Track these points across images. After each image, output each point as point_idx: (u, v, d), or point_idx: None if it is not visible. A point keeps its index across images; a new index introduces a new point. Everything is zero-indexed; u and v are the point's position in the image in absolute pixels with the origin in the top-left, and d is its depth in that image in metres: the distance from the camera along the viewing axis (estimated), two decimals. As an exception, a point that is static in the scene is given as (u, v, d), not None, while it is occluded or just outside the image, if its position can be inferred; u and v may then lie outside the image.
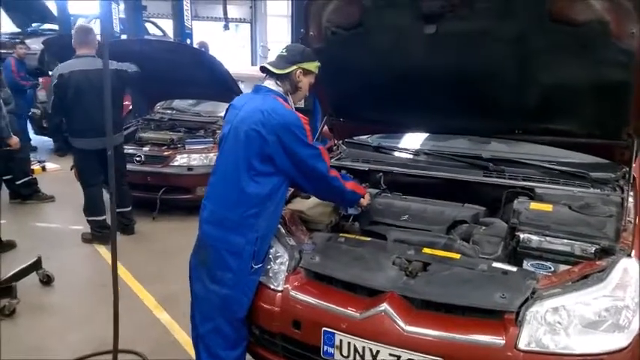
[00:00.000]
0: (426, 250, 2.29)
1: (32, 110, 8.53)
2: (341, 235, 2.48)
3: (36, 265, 3.83)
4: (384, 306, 2.00)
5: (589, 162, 2.79)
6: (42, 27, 13.15)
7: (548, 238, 2.29)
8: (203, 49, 8.79)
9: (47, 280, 3.89)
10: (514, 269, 2.13)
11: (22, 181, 5.81)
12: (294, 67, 2.32)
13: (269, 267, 2.34)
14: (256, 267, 2.24)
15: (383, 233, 2.50)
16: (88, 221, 4.90)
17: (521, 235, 2.29)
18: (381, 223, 2.64)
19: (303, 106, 5.30)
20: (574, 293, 1.92)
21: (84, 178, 4.81)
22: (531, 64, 2.42)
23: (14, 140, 4.50)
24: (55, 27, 11.86)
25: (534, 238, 2.27)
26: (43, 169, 7.45)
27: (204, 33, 15.93)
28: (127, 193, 5.00)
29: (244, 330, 2.31)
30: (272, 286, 2.27)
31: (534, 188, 2.71)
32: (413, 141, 3.42)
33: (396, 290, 2.07)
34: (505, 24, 2.31)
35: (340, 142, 3.41)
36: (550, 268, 2.22)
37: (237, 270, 2.21)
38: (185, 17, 9.40)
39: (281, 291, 2.25)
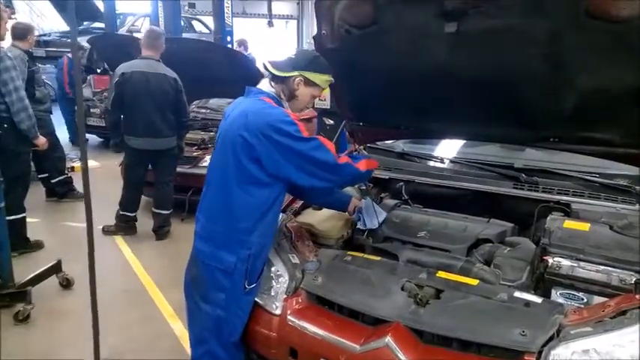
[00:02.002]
0: (441, 274, 2.06)
1: (76, 107, 8.70)
2: (348, 253, 2.28)
3: (55, 269, 3.82)
4: (387, 339, 1.79)
5: (636, 174, 2.48)
6: (92, 25, 13.55)
7: (581, 264, 2.02)
8: (242, 46, 8.76)
9: (67, 284, 3.88)
10: (538, 300, 1.87)
11: (58, 179, 5.88)
12: (295, 72, 2.11)
13: (271, 286, 2.18)
14: (250, 287, 2.07)
15: (394, 252, 2.28)
16: (119, 215, 4.99)
17: (550, 260, 2.02)
18: (395, 239, 2.43)
19: (328, 107, 5.13)
20: (608, 334, 1.65)
21: (128, 175, 4.93)
22: (566, 65, 2.14)
23: (41, 141, 4.51)
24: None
25: (565, 263, 2.00)
26: (83, 166, 7.57)
27: (250, 30, 16.01)
28: (168, 195, 5.02)
29: (240, 354, 2.15)
30: (269, 309, 2.10)
31: (570, 203, 2.43)
32: (441, 147, 3.18)
33: (402, 320, 1.85)
34: (535, 21, 2.03)
35: (361, 147, 3.20)
36: (582, 299, 1.95)
37: (230, 290, 2.05)
38: (226, 15, 9.36)
39: (278, 315, 2.07)
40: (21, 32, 5.10)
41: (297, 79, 2.12)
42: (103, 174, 7.22)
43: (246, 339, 2.15)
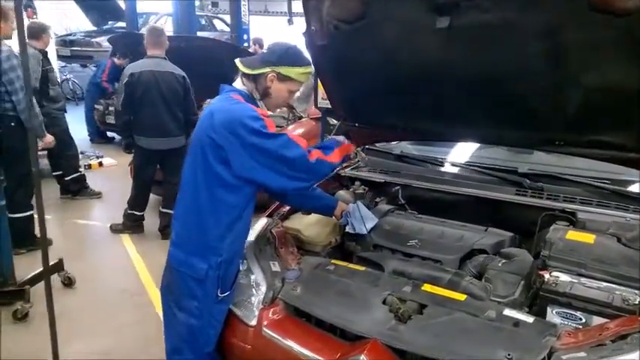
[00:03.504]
0: (426, 288, 1.91)
1: (95, 106, 8.79)
2: (332, 261, 2.16)
3: (57, 267, 3.80)
4: (362, 357, 1.65)
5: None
6: (115, 25, 13.73)
7: (582, 280, 1.85)
8: (257, 44, 8.71)
9: (68, 283, 3.86)
10: (529, 320, 1.71)
11: (71, 177, 5.91)
12: (267, 69, 1.97)
13: (249, 295, 2.07)
14: (222, 295, 1.97)
15: (379, 262, 2.14)
16: (127, 214, 4.99)
17: (546, 275, 1.86)
18: (384, 247, 2.29)
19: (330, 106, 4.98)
20: (603, 360, 1.49)
21: (138, 174, 4.92)
22: (568, 63, 1.96)
23: (48, 139, 4.53)
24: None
25: (563, 279, 1.84)
26: (100, 164, 7.63)
27: (271, 28, 15.96)
28: (176, 195, 4.94)
29: (217, 365, 2.06)
30: (244, 320, 1.99)
31: (576, 212, 2.25)
32: (443, 149, 3.02)
33: (379, 337, 1.71)
34: (533, 15, 1.87)
35: (359, 149, 3.06)
36: (580, 319, 1.78)
37: (202, 298, 1.95)
38: (242, 13, 9.32)
39: (253, 326, 1.96)
40: (35, 31, 5.14)
41: (270, 75, 1.98)
42: (119, 172, 7.24)
43: (222, 350, 2.05)
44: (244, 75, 2.01)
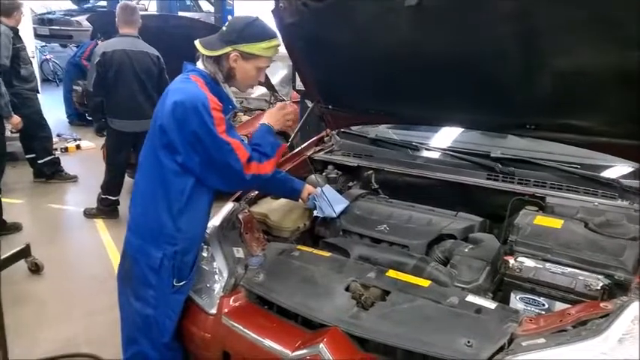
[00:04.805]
0: (391, 274, 1.88)
1: (74, 87, 8.59)
2: (297, 247, 2.11)
3: (23, 253, 3.71)
4: (321, 346, 1.62)
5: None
6: (97, 4, 13.42)
7: (547, 265, 1.82)
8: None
9: (35, 269, 3.76)
10: (492, 306, 1.69)
11: (45, 160, 5.76)
12: (228, 48, 1.83)
13: (210, 282, 2.01)
14: (179, 284, 1.90)
15: (345, 248, 2.10)
16: (101, 198, 4.88)
17: (511, 261, 1.83)
18: (353, 232, 2.25)
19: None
20: (561, 347, 1.46)
21: (111, 158, 4.80)
22: (539, 44, 1.91)
23: (15, 120, 4.40)
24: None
25: (527, 264, 1.81)
26: (78, 147, 7.47)
27: (260, 10, 15.70)
28: None
29: (174, 355, 1.99)
30: (204, 308, 1.94)
31: (545, 196, 2.22)
32: (418, 133, 2.96)
33: (340, 325, 1.68)
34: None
35: (334, 132, 3.01)
36: (543, 305, 1.76)
37: (158, 287, 1.88)
38: (226, -7, 9.13)
39: (213, 314, 1.91)
40: (7, 9, 4.97)
41: (232, 54, 1.84)
42: (97, 155, 7.03)
43: (181, 339, 2.00)
44: (206, 58, 1.89)
